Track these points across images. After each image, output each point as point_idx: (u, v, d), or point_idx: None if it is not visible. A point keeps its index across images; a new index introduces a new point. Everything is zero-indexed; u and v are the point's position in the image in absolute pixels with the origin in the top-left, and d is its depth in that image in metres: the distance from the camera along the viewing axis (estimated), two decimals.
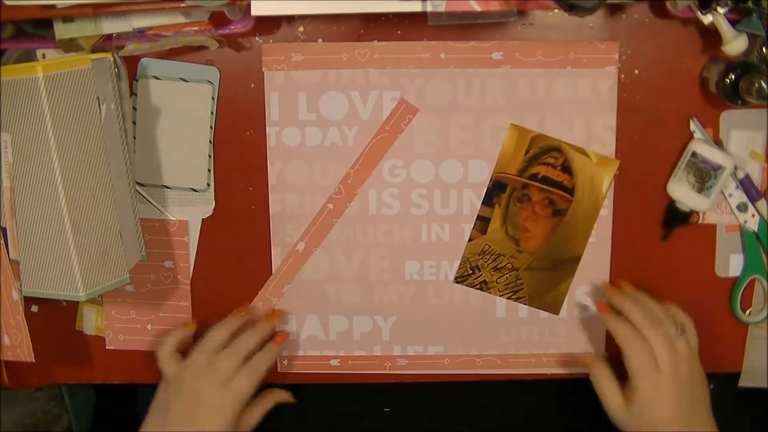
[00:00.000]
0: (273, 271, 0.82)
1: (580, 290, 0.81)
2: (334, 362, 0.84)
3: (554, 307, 0.81)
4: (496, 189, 0.79)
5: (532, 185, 0.79)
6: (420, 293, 0.82)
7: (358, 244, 0.81)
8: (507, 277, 0.81)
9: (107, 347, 0.84)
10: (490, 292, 0.81)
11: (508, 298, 0.81)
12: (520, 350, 0.83)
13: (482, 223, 0.80)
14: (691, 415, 0.74)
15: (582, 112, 0.78)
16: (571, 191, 0.79)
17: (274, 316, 0.81)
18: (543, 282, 0.81)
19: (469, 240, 0.80)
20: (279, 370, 0.84)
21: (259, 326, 0.80)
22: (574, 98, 0.78)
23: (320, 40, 0.78)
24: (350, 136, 0.79)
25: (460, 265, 0.81)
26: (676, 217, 0.79)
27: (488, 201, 0.80)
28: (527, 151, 0.78)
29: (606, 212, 0.80)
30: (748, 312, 0.81)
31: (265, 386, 0.79)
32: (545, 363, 0.83)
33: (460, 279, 0.81)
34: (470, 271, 0.81)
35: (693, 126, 0.77)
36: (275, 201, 0.81)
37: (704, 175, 0.76)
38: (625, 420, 0.75)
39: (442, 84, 0.78)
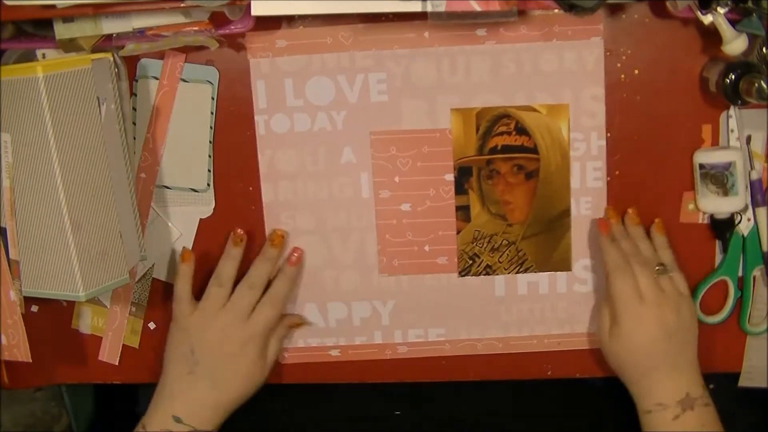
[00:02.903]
0: None
1: (579, 265, 0.81)
2: (334, 352, 0.84)
3: (565, 265, 0.81)
4: (462, 175, 0.79)
5: (495, 159, 0.79)
6: (418, 276, 0.82)
7: (353, 229, 0.81)
8: (507, 254, 0.81)
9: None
10: (497, 274, 0.81)
11: (517, 273, 0.81)
12: (522, 331, 0.82)
13: (463, 212, 0.80)
14: (675, 359, 0.74)
15: (569, 84, 0.78)
16: (534, 150, 0.79)
17: (277, 238, 0.80)
18: (543, 246, 0.81)
19: (457, 232, 0.80)
20: (280, 362, 0.84)
21: (266, 252, 0.80)
22: (561, 71, 0.77)
23: None
24: (339, 121, 0.79)
25: (459, 258, 0.81)
26: (722, 228, 0.79)
27: (460, 189, 0.80)
28: (477, 129, 0.78)
29: (600, 184, 0.79)
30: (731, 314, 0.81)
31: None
32: (546, 345, 0.83)
33: (463, 272, 0.81)
34: (470, 261, 0.81)
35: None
36: (268, 190, 0.80)
37: (721, 178, 0.76)
38: (607, 348, 0.76)
39: (427, 63, 0.78)
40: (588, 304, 0.82)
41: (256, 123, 0.79)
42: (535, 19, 0.76)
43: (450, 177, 0.79)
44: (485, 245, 0.80)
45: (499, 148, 0.79)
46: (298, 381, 0.84)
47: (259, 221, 0.81)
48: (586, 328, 0.82)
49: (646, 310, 0.74)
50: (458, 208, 0.80)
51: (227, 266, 0.79)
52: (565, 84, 0.78)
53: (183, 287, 0.78)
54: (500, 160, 0.79)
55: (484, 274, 0.81)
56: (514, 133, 0.78)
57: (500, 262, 0.81)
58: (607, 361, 0.77)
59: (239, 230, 0.80)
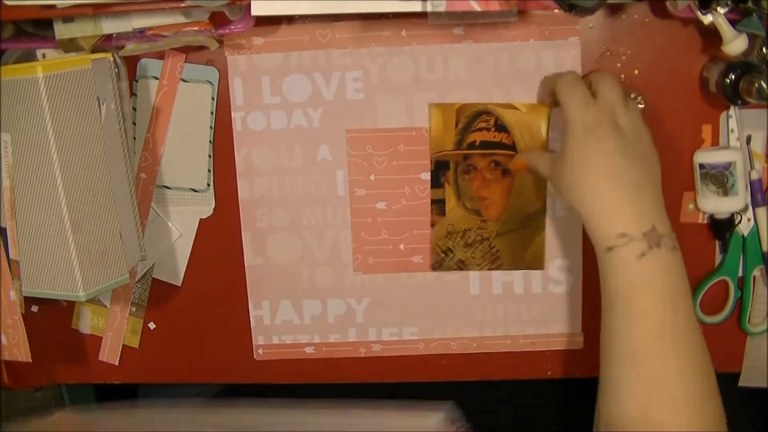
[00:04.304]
0: (245, 256, 0.82)
1: (553, 264, 0.81)
2: (309, 349, 0.84)
3: (538, 263, 0.81)
4: (439, 169, 0.79)
5: (473, 154, 0.78)
6: (392, 274, 0.82)
7: (328, 227, 0.81)
8: (480, 250, 0.80)
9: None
10: (469, 270, 0.81)
11: (489, 269, 0.80)
12: (496, 331, 0.82)
13: (438, 206, 0.80)
14: (638, 179, 0.65)
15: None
16: (513, 147, 0.78)
17: None
18: (517, 243, 0.80)
19: (432, 225, 0.80)
20: (255, 359, 0.84)
21: None
22: (539, 71, 0.77)
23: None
24: (315, 118, 0.79)
25: (432, 252, 0.81)
26: (722, 228, 0.79)
27: (436, 183, 0.79)
28: (457, 124, 0.78)
29: None
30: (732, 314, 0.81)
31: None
32: (521, 345, 0.82)
33: (436, 265, 0.81)
34: (443, 255, 0.81)
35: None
36: (244, 186, 0.80)
37: (721, 178, 0.76)
38: (555, 173, 0.68)
39: (404, 62, 0.78)
40: (563, 305, 0.82)
41: (232, 120, 0.79)
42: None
43: (426, 176, 0.79)
44: (459, 240, 0.80)
45: (477, 143, 0.78)
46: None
47: None
48: (562, 329, 0.82)
49: (599, 112, 0.66)
50: (433, 202, 0.80)
51: None
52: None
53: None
54: (478, 155, 0.78)
55: (457, 269, 0.81)
56: (493, 129, 0.78)
57: (473, 258, 0.81)
58: (560, 191, 0.69)
59: None
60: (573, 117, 0.66)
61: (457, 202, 0.79)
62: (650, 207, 0.65)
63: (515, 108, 0.77)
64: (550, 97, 0.74)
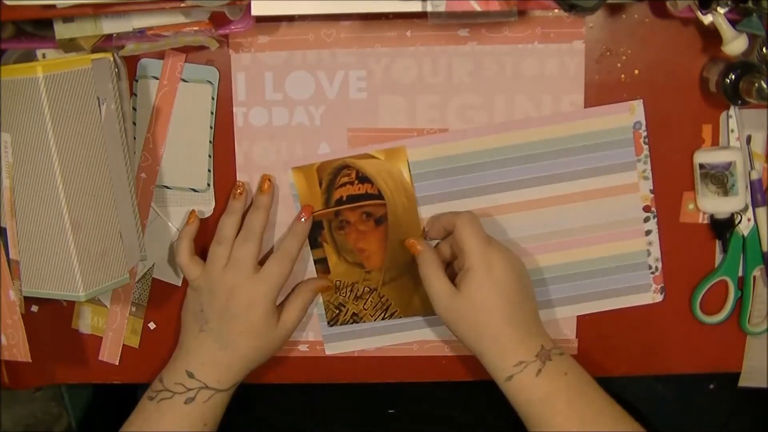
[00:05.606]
0: None
1: None
2: (303, 347, 0.84)
3: (430, 307, 0.79)
4: (315, 230, 0.79)
5: (342, 210, 0.79)
6: None
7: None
8: (371, 301, 0.81)
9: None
10: (364, 321, 0.81)
11: (383, 319, 0.81)
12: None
13: (321, 264, 0.80)
14: (524, 312, 0.72)
15: (550, 89, 0.78)
16: (379, 195, 0.79)
17: (265, 184, 0.78)
18: (405, 289, 0.80)
19: None
20: None
21: (257, 201, 0.78)
22: (542, 75, 0.77)
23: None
24: (317, 116, 0.79)
25: (326, 309, 0.81)
26: (722, 228, 0.79)
27: (314, 243, 0.80)
28: (320, 183, 0.79)
29: None
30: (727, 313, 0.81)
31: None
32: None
33: (332, 322, 0.82)
34: (337, 311, 0.81)
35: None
36: (243, 181, 0.80)
37: (721, 178, 0.76)
38: (452, 308, 0.72)
39: (408, 62, 0.78)
40: (558, 314, 0.81)
41: (234, 115, 0.79)
42: (517, 21, 0.76)
43: None
44: (348, 294, 0.81)
45: (344, 198, 0.79)
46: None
47: None
48: (555, 335, 0.80)
49: (496, 252, 0.71)
50: (317, 261, 0.80)
51: (227, 223, 0.78)
52: (545, 88, 0.77)
53: (183, 250, 0.78)
54: (347, 210, 0.79)
55: (352, 322, 0.81)
56: (356, 182, 0.78)
57: (365, 309, 0.81)
58: (452, 327, 0.74)
59: (240, 182, 0.79)
60: (476, 254, 0.71)
61: (339, 258, 0.80)
62: (535, 330, 0.72)
63: (373, 157, 0.78)
64: (442, 232, 0.77)
